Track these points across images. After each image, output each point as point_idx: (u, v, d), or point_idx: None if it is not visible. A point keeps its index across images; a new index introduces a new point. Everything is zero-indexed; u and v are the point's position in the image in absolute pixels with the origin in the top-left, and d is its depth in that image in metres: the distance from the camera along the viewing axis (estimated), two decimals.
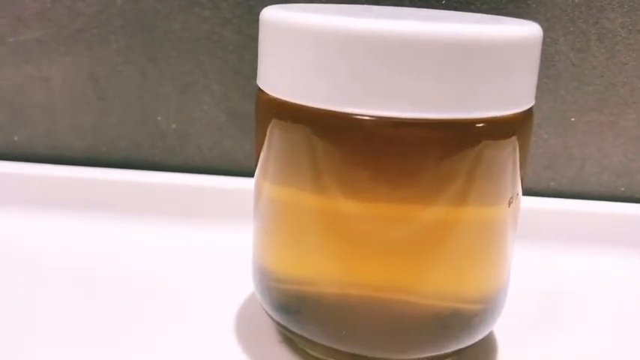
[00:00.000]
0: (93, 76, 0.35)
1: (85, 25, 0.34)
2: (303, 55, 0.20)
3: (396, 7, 0.26)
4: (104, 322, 0.26)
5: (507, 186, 0.21)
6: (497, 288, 0.23)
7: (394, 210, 0.21)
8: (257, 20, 0.23)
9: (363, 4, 0.33)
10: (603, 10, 0.32)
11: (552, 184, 0.35)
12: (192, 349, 0.25)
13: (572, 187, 0.35)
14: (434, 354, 0.22)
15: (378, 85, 0.19)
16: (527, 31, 0.20)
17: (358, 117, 0.19)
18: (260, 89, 0.22)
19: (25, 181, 0.35)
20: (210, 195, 0.34)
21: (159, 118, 0.35)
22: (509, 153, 0.21)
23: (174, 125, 0.35)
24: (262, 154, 0.23)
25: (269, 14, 0.21)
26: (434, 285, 0.22)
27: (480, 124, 0.20)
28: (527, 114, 0.22)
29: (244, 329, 0.26)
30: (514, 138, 0.21)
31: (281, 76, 0.21)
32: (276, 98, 0.21)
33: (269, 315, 0.24)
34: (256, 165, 0.23)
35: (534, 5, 0.32)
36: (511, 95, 0.20)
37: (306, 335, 0.23)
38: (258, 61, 0.22)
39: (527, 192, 0.29)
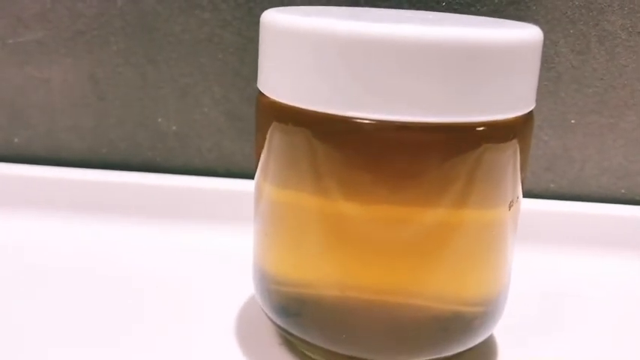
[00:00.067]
0: (93, 77, 0.35)
1: (85, 26, 0.34)
2: (303, 58, 0.20)
3: (396, 10, 0.26)
4: (104, 323, 0.26)
5: (508, 189, 0.21)
6: (498, 290, 0.23)
7: (395, 213, 0.21)
8: (257, 22, 0.23)
9: (362, 6, 0.33)
10: (603, 12, 0.32)
11: (552, 185, 0.35)
12: (192, 351, 0.25)
13: (572, 189, 0.35)
14: (434, 357, 0.22)
15: (379, 89, 0.19)
16: (527, 34, 0.20)
17: (359, 120, 0.19)
18: (260, 92, 0.22)
19: (25, 183, 0.35)
20: (210, 197, 0.34)
21: (159, 120, 0.35)
22: (509, 156, 0.21)
23: (174, 127, 0.35)
24: (263, 157, 0.23)
25: (269, 17, 0.21)
26: (434, 287, 0.22)
27: (481, 128, 0.20)
28: (528, 117, 0.22)
29: (244, 331, 0.26)
30: (515, 141, 0.21)
31: (281, 80, 0.21)
32: (277, 101, 0.21)
33: (269, 317, 0.24)
34: (256, 167, 0.23)
35: (534, 7, 0.32)
36: (512, 98, 0.20)
37: (306, 338, 0.23)
38: (259, 64, 0.22)
39: (527, 194, 0.29)
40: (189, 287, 0.29)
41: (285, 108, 0.21)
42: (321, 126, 0.20)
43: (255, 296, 0.25)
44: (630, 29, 0.33)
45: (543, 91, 0.33)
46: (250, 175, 0.24)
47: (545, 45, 0.26)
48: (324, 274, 0.22)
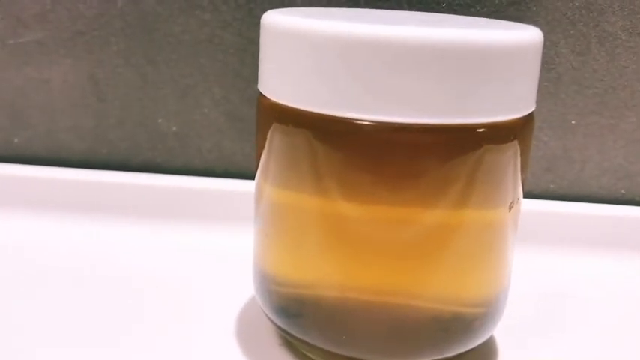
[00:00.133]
0: (93, 78, 0.35)
1: (85, 27, 0.34)
2: (303, 60, 0.20)
3: (396, 11, 0.26)
4: (104, 323, 0.26)
5: (508, 190, 0.21)
6: (498, 291, 0.23)
7: (395, 213, 0.21)
8: (257, 23, 0.23)
9: (362, 7, 0.33)
10: (603, 13, 0.32)
11: (552, 186, 0.35)
12: (191, 352, 0.25)
13: (572, 189, 0.35)
14: (434, 357, 0.22)
15: (379, 90, 0.19)
16: (528, 36, 0.20)
17: (359, 122, 0.19)
18: (261, 94, 0.22)
19: (25, 183, 0.35)
20: (210, 197, 0.34)
21: (159, 121, 0.35)
22: (510, 157, 0.21)
23: (174, 128, 0.35)
24: (263, 158, 0.23)
25: (270, 19, 0.21)
26: (435, 288, 0.22)
27: (481, 129, 0.20)
28: (528, 118, 0.22)
29: (244, 332, 0.26)
30: (515, 142, 0.21)
31: (282, 81, 0.21)
32: (277, 103, 0.21)
33: (269, 318, 0.24)
34: (257, 168, 0.23)
35: (535, 8, 0.32)
36: (512, 100, 0.20)
37: (307, 339, 0.23)
38: (259, 66, 0.22)
39: (527, 194, 0.29)
40: (189, 288, 0.29)
41: (285, 109, 0.21)
42: (322, 127, 0.20)
43: (255, 297, 0.25)
44: (630, 30, 0.33)
45: (543, 92, 0.33)
46: (250, 176, 0.24)
47: (545, 46, 0.26)
48: (325, 274, 0.22)
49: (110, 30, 0.34)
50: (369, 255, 0.21)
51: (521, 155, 0.21)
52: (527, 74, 0.21)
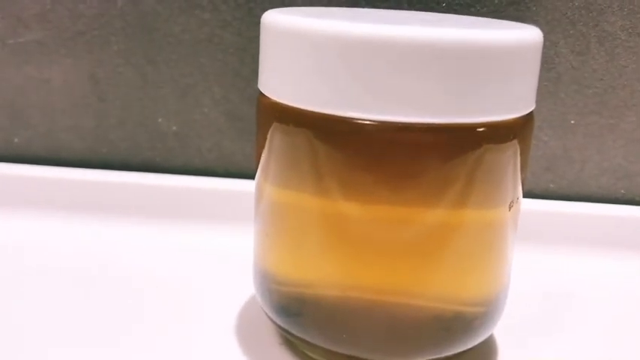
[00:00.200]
0: (93, 77, 0.35)
1: (85, 26, 0.34)
2: (304, 59, 0.20)
3: (397, 11, 0.26)
4: (104, 322, 0.26)
5: (508, 189, 0.21)
6: (498, 290, 0.23)
7: (395, 213, 0.21)
8: (257, 22, 0.23)
9: (363, 7, 0.33)
10: (603, 13, 0.32)
11: (552, 186, 0.35)
12: (192, 351, 0.25)
13: (571, 189, 0.35)
14: (434, 357, 0.22)
15: (379, 90, 0.19)
16: (528, 35, 0.20)
17: (359, 121, 0.19)
18: (261, 93, 0.22)
19: (25, 183, 0.35)
20: (209, 197, 0.34)
21: (159, 120, 0.35)
22: (509, 157, 0.21)
23: (174, 127, 0.35)
24: (263, 157, 0.23)
25: (270, 19, 0.21)
26: (435, 288, 0.22)
27: (481, 129, 0.20)
28: (528, 118, 0.22)
29: (245, 331, 0.26)
30: (515, 142, 0.21)
31: (282, 81, 0.21)
32: (278, 102, 0.21)
33: (269, 317, 0.24)
34: (257, 167, 0.23)
35: (534, 8, 0.32)
36: (512, 99, 0.20)
37: (307, 338, 0.23)
38: (259, 65, 0.23)
39: (526, 194, 0.29)
40: (189, 287, 0.29)
41: (285, 109, 0.21)
42: (322, 127, 0.20)
43: (255, 296, 0.25)
44: (630, 30, 0.33)
45: (543, 92, 0.34)
46: (250, 176, 0.24)
47: (545, 46, 0.26)
48: (325, 274, 0.22)
49: (110, 30, 0.34)
50: (369, 254, 0.21)
51: (521, 155, 0.21)
52: (527, 74, 0.21)
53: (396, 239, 0.21)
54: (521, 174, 0.22)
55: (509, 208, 0.22)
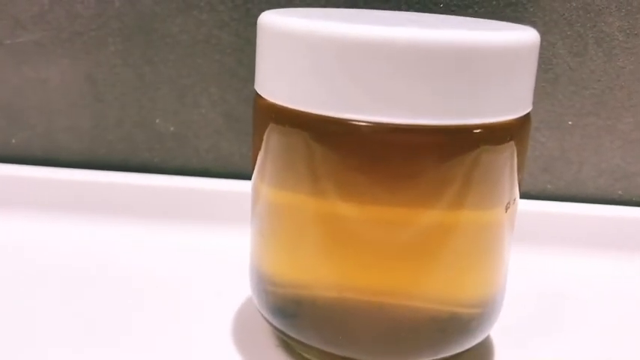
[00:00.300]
0: (91, 78, 0.35)
1: (82, 27, 0.34)
2: (300, 60, 0.20)
3: (394, 12, 0.26)
4: (101, 323, 0.26)
5: (505, 190, 0.21)
6: (495, 291, 0.23)
7: (392, 214, 0.21)
8: (255, 23, 0.23)
9: (360, 8, 0.33)
10: (601, 13, 0.32)
11: (549, 187, 0.35)
12: (188, 353, 0.25)
13: (569, 190, 0.35)
14: (431, 358, 0.22)
15: (376, 91, 0.19)
16: (524, 37, 0.20)
17: (356, 123, 0.19)
18: (258, 94, 0.22)
19: (23, 184, 0.35)
20: (207, 197, 0.34)
21: (157, 121, 0.35)
22: (506, 158, 0.21)
23: (172, 128, 0.35)
24: (260, 158, 0.23)
25: (266, 20, 0.21)
26: (431, 289, 0.22)
27: (478, 130, 0.20)
28: (525, 119, 0.22)
29: (241, 333, 0.26)
30: (512, 143, 0.21)
31: (279, 82, 0.21)
32: (274, 103, 0.21)
33: (266, 319, 0.24)
34: (253, 168, 0.23)
35: (532, 9, 0.32)
36: (508, 101, 0.20)
37: (303, 339, 0.23)
38: (256, 66, 0.22)
39: (524, 195, 0.29)
40: (186, 288, 0.29)
41: (282, 110, 0.21)
42: (319, 128, 0.20)
43: (252, 297, 0.25)
44: (628, 31, 0.33)
45: (541, 93, 0.34)
46: (248, 176, 0.24)
47: (542, 47, 0.26)
48: (321, 275, 0.22)
49: (108, 30, 0.34)
50: (365, 255, 0.21)
51: (517, 156, 0.21)
52: (523, 75, 0.21)
53: (392, 240, 0.21)
54: (518, 175, 0.22)
55: (506, 210, 0.22)
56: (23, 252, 0.31)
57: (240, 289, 0.28)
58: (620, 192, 0.35)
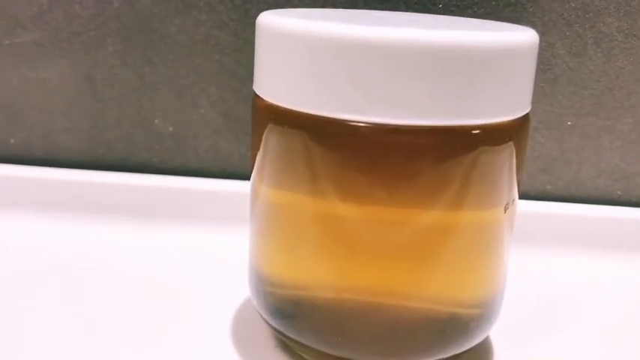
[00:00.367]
0: (90, 78, 0.35)
1: (81, 27, 0.34)
2: (299, 61, 0.20)
3: (393, 12, 0.26)
4: (101, 323, 0.26)
5: (504, 191, 0.21)
6: (494, 292, 0.23)
7: (390, 214, 0.21)
8: (253, 24, 0.22)
9: (359, 8, 0.33)
10: (600, 14, 0.32)
11: (548, 187, 0.35)
12: (187, 353, 0.25)
13: (568, 190, 0.35)
14: (430, 359, 0.22)
15: (375, 92, 0.19)
16: (523, 38, 0.20)
17: (355, 123, 0.19)
18: (256, 95, 0.22)
19: (22, 184, 0.35)
20: (206, 198, 0.34)
21: (156, 121, 0.35)
22: (505, 158, 0.21)
23: (171, 128, 0.35)
24: (258, 158, 0.23)
25: (265, 20, 0.21)
26: (430, 289, 0.22)
27: (476, 131, 0.20)
28: (524, 120, 0.22)
29: (240, 333, 0.26)
30: (510, 144, 0.21)
31: (277, 83, 0.21)
32: (273, 104, 0.21)
33: (264, 319, 0.24)
34: (252, 168, 0.23)
35: (531, 9, 0.32)
36: (507, 102, 0.20)
37: (302, 340, 0.23)
38: (255, 67, 0.22)
39: (523, 195, 0.29)
40: (185, 288, 0.29)
41: (280, 110, 0.21)
42: (317, 128, 0.20)
43: (250, 298, 0.25)
44: (627, 31, 0.33)
45: (540, 93, 0.33)
46: (246, 176, 0.24)
47: (541, 47, 0.26)
48: (320, 275, 0.22)
49: (107, 30, 0.34)
50: (364, 256, 0.21)
51: (516, 156, 0.21)
52: (522, 76, 0.21)
53: (391, 241, 0.21)
54: (517, 176, 0.22)
55: (505, 210, 0.22)
56: (23, 252, 0.31)
57: (240, 290, 0.28)
58: (619, 192, 0.35)
